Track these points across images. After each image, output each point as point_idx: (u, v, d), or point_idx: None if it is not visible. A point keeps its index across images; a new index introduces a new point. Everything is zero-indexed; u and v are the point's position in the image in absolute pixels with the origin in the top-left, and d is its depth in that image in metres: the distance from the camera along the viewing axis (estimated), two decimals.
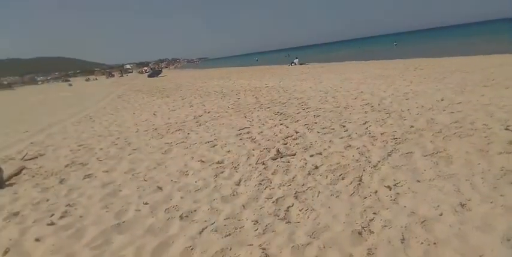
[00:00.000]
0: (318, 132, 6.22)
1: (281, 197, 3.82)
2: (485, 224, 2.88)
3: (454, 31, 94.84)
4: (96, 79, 72.72)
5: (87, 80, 71.63)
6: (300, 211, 3.50)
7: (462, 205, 3.20)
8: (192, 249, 3.05)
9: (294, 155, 5.13)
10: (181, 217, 3.63)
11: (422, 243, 2.74)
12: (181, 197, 4.12)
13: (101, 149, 6.97)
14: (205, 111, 10.07)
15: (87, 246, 3.29)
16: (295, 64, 31.03)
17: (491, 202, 3.20)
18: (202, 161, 5.32)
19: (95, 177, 5.22)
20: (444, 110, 6.70)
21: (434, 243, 2.72)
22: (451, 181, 3.71)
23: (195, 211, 3.75)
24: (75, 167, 5.87)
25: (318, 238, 3.00)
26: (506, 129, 5.12)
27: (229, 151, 5.70)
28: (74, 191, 4.71)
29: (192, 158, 5.57)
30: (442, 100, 7.64)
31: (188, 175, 4.86)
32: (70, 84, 55.91)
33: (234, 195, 4.04)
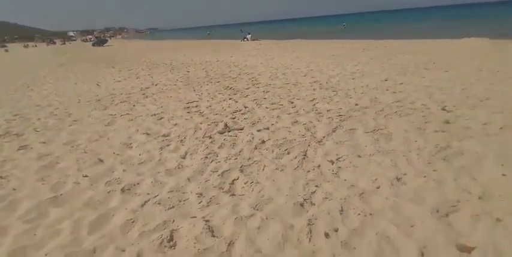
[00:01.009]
0: (267, 107, 6.25)
1: (227, 171, 3.82)
2: (418, 197, 3.05)
3: (403, 15, 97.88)
4: (36, 46, 67.73)
5: (26, 46, 66.36)
6: (245, 184, 3.52)
7: (398, 179, 3.37)
8: (133, 222, 2.98)
9: (242, 129, 5.13)
10: (122, 190, 3.53)
11: (359, 214, 2.86)
12: (124, 170, 4.00)
13: (39, 119, 6.57)
14: (152, 84, 9.76)
15: (20, 219, 3.11)
16: (248, 40, 30.72)
17: (424, 176, 3.39)
18: (148, 134, 5.18)
19: (30, 148, 4.92)
20: (387, 90, 6.97)
21: (371, 214, 2.85)
22: (389, 156, 3.89)
23: (137, 183, 3.66)
24: (10, 137, 5.49)
25: (261, 209, 3.05)
26: (443, 109, 5.43)
27: (176, 124, 5.59)
28: (7, 163, 4.42)
29: (137, 130, 5.40)
30: (386, 80, 7.93)
31: (132, 147, 4.72)
32: (6, 50, 51.66)
33: (179, 168, 3.98)
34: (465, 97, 6.06)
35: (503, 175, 3.33)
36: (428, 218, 2.75)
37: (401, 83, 7.52)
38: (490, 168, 3.49)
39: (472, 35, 16.96)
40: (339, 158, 3.96)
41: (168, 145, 4.70)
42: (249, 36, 31.48)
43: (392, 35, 23.37)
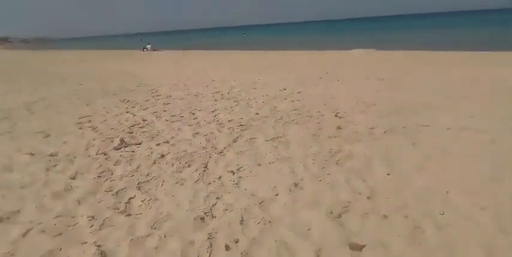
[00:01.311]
0: (167, 120, 6.06)
1: (122, 189, 3.58)
2: (314, 201, 3.17)
3: (304, 27, 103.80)
4: None
5: None
6: (142, 201, 3.33)
7: (296, 185, 3.48)
8: (11, 255, 2.62)
9: (140, 144, 4.89)
10: (0, 219, 3.10)
11: (259, 223, 2.88)
12: (3, 196, 3.52)
13: None
14: (40, 98, 8.83)
15: None
16: (148, 50, 30.00)
17: (319, 181, 3.55)
18: (32, 154, 4.64)
19: None
20: (286, 99, 7.25)
21: (270, 222, 2.88)
22: (288, 163, 4.01)
23: (18, 211, 3.24)
24: None
25: (159, 228, 2.90)
26: (336, 116, 5.79)
27: (65, 142, 5.09)
28: None
29: (19, 150, 4.81)
30: (285, 90, 8.26)
31: (13, 170, 4.18)
32: None
33: (67, 190, 3.62)
34: (355, 104, 6.56)
35: (388, 174, 3.63)
36: (323, 221, 2.86)
37: (299, 92, 7.90)
38: (377, 169, 3.78)
39: (361, 46, 18.61)
40: (240, 168, 3.97)
41: (55, 165, 4.25)
42: (149, 46, 30.70)
43: (291, 46, 24.67)
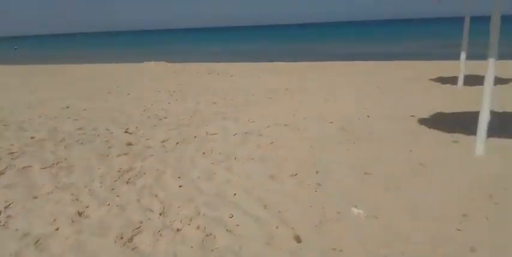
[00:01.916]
0: None
1: None
2: (102, 228, 2.91)
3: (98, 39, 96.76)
4: None
5: None
6: None
7: (80, 214, 3.13)
8: None
9: None
10: None
11: None
12: None
13: None
14: None
15: None
16: None
17: (108, 204, 3.29)
18: None
19: None
20: (69, 118, 6.59)
21: None
22: (70, 190, 3.59)
23: None
24: None
25: None
26: (126, 132, 5.56)
27: None
28: None
29: None
30: (68, 108, 7.52)
31: None
32: None
33: None
34: (146, 118, 6.46)
35: (180, 186, 3.65)
36: (112, 248, 2.64)
37: (85, 109, 7.31)
38: (169, 182, 3.77)
39: (153, 59, 18.63)
40: (9, 205, 3.33)
41: None
42: None
43: (72, 60, 22.92)
